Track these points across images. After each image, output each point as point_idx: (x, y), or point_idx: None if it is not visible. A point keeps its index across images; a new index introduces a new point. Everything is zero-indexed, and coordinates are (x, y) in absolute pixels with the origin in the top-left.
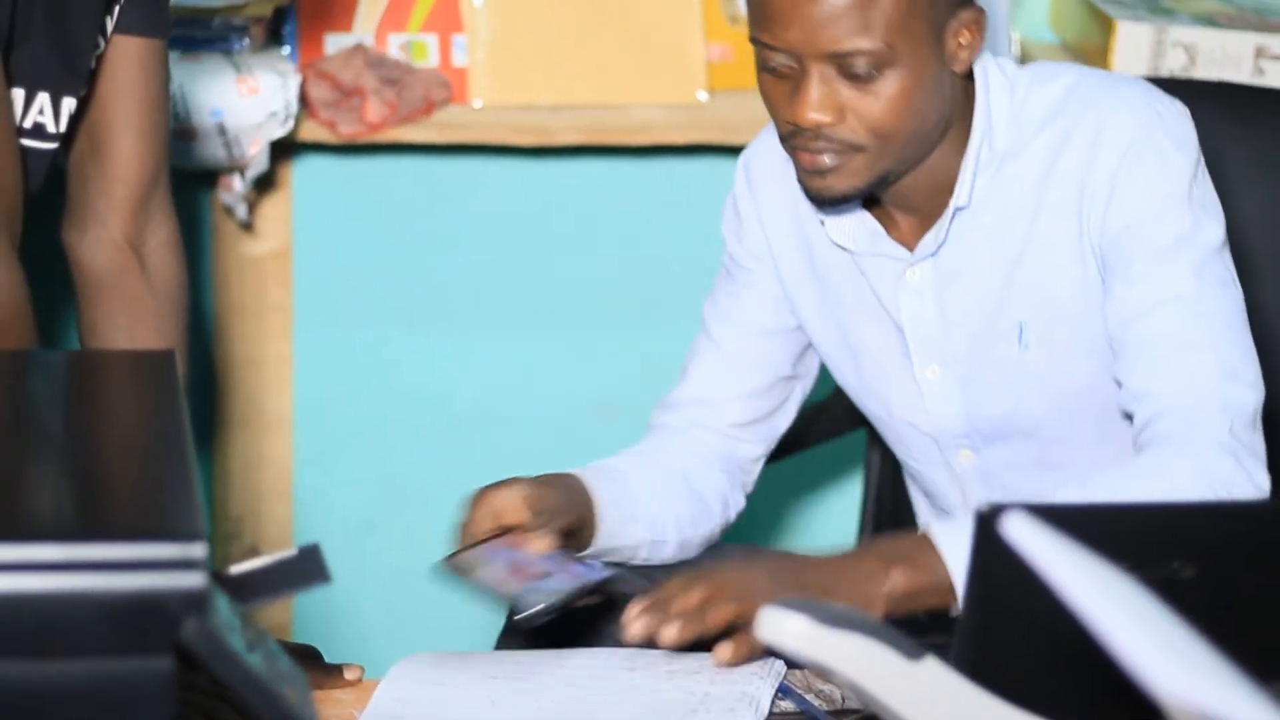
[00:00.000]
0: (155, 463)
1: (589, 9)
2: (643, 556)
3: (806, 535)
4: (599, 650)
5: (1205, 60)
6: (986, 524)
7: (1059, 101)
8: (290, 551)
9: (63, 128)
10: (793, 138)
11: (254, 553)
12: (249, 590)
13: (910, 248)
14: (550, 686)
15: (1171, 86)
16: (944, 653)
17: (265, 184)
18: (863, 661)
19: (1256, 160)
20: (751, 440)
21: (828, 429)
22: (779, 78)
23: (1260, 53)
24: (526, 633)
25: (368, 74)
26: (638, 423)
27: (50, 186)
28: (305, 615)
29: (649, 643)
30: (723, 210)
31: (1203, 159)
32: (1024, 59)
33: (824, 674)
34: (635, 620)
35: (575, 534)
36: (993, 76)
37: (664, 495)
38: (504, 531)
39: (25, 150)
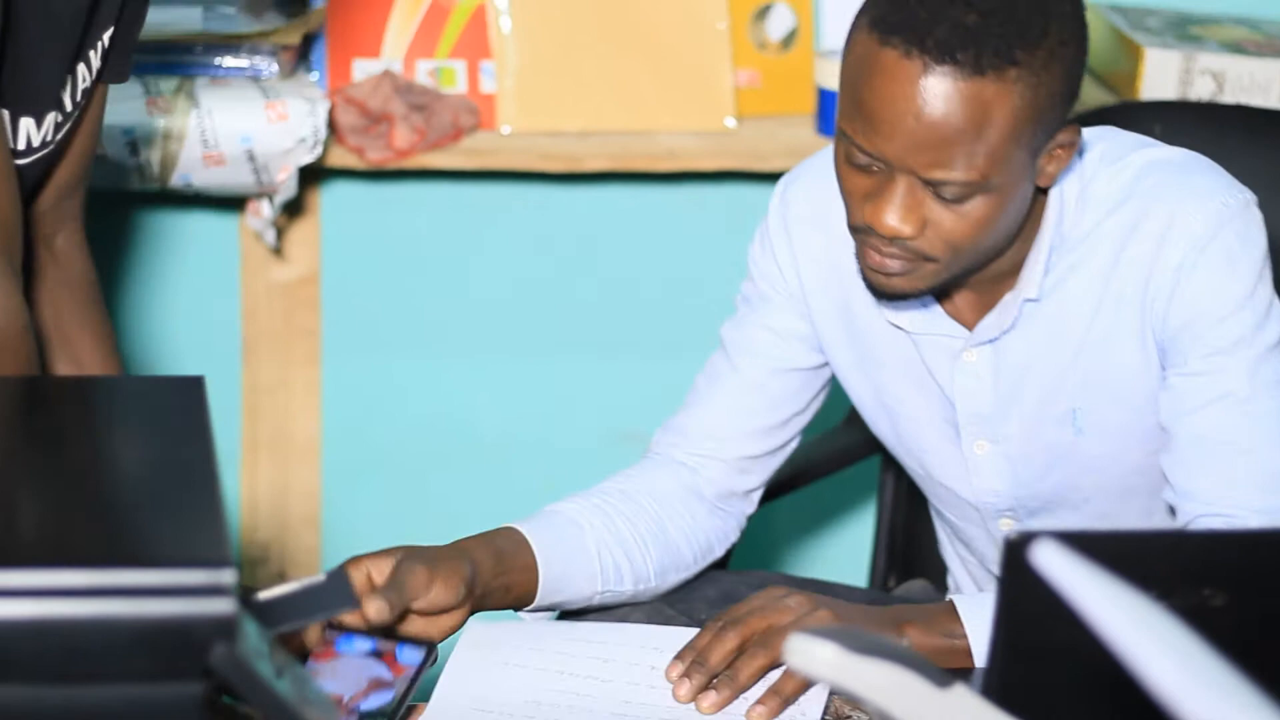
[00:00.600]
0: (183, 489)
1: (617, 36)
2: (596, 602)
3: (819, 564)
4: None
5: (1233, 86)
6: (1015, 551)
7: (1128, 186)
8: (318, 577)
9: (19, 145)
10: (864, 233)
11: (281, 578)
12: (277, 616)
13: (968, 325)
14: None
15: (1199, 113)
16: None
17: (294, 210)
18: (892, 689)
19: None
20: (756, 472)
21: (840, 459)
22: (861, 171)
23: None
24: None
25: (396, 100)
26: None
27: None
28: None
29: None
30: (753, 238)
31: (1268, 257)
32: None
33: (854, 701)
34: (680, 682)
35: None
36: None
37: (626, 547)
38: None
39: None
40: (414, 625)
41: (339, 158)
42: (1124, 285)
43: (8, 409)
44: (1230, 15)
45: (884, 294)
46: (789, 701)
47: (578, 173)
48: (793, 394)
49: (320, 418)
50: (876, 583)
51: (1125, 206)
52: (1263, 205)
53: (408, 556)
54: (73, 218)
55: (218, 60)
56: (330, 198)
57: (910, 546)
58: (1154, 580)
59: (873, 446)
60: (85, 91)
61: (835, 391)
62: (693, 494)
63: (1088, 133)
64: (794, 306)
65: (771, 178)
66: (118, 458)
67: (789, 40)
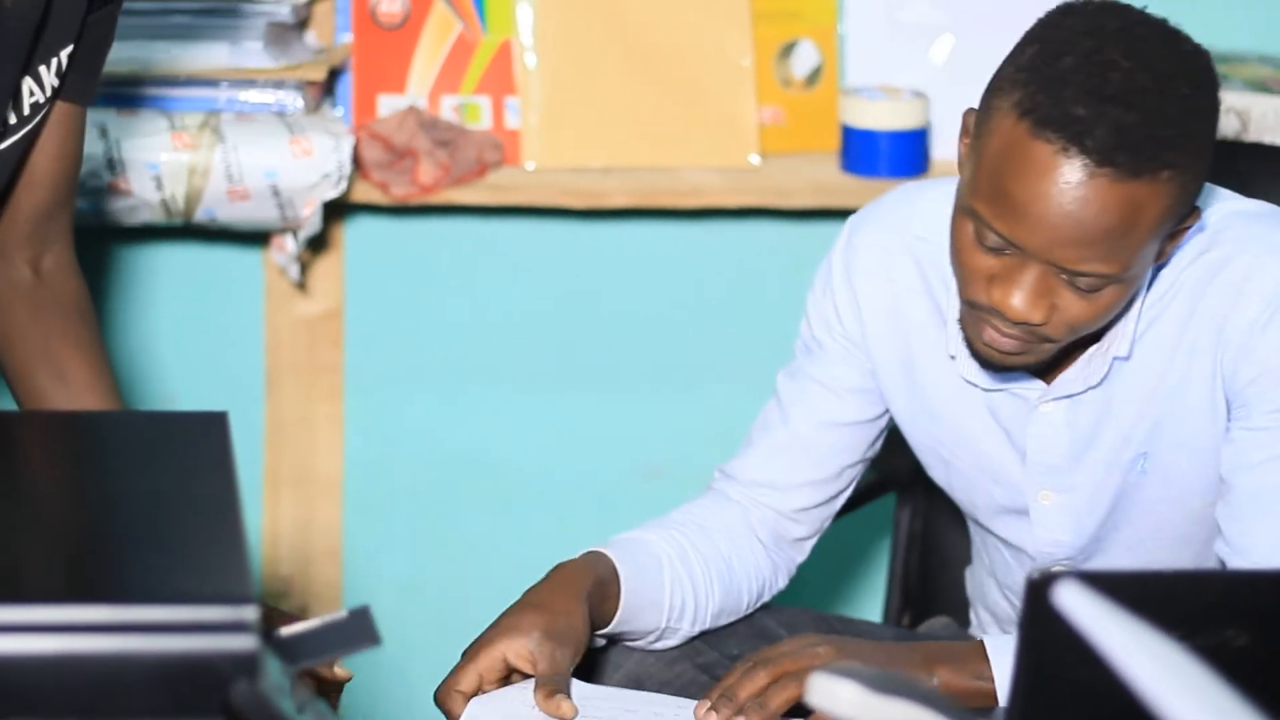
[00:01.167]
0: (206, 524)
1: (641, 72)
2: (646, 643)
3: (833, 600)
4: (669, 701)
5: (1258, 125)
6: (1038, 592)
7: (1207, 238)
8: (340, 613)
9: None
10: (984, 311)
11: (304, 613)
12: (299, 652)
13: (1044, 377)
14: None
15: (1224, 151)
16: None
17: (318, 245)
18: None
19: None
20: (807, 522)
21: (855, 499)
22: (990, 253)
23: None
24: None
25: (420, 136)
26: (685, 486)
27: None
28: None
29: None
30: (813, 280)
31: None
32: None
33: None
34: (707, 716)
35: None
36: None
37: (695, 588)
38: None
39: None
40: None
41: (363, 193)
42: (1198, 334)
43: (31, 442)
44: (1255, 54)
45: (995, 368)
46: None
47: (601, 209)
48: (845, 448)
49: (343, 452)
50: (891, 620)
51: (1204, 258)
52: None
53: (544, 638)
54: (59, 239)
55: (243, 95)
56: (354, 233)
57: (925, 584)
58: (1177, 621)
59: (888, 485)
60: (34, 106)
61: None
62: (754, 535)
63: None
64: (851, 356)
65: (795, 215)
66: (140, 493)
67: (813, 77)
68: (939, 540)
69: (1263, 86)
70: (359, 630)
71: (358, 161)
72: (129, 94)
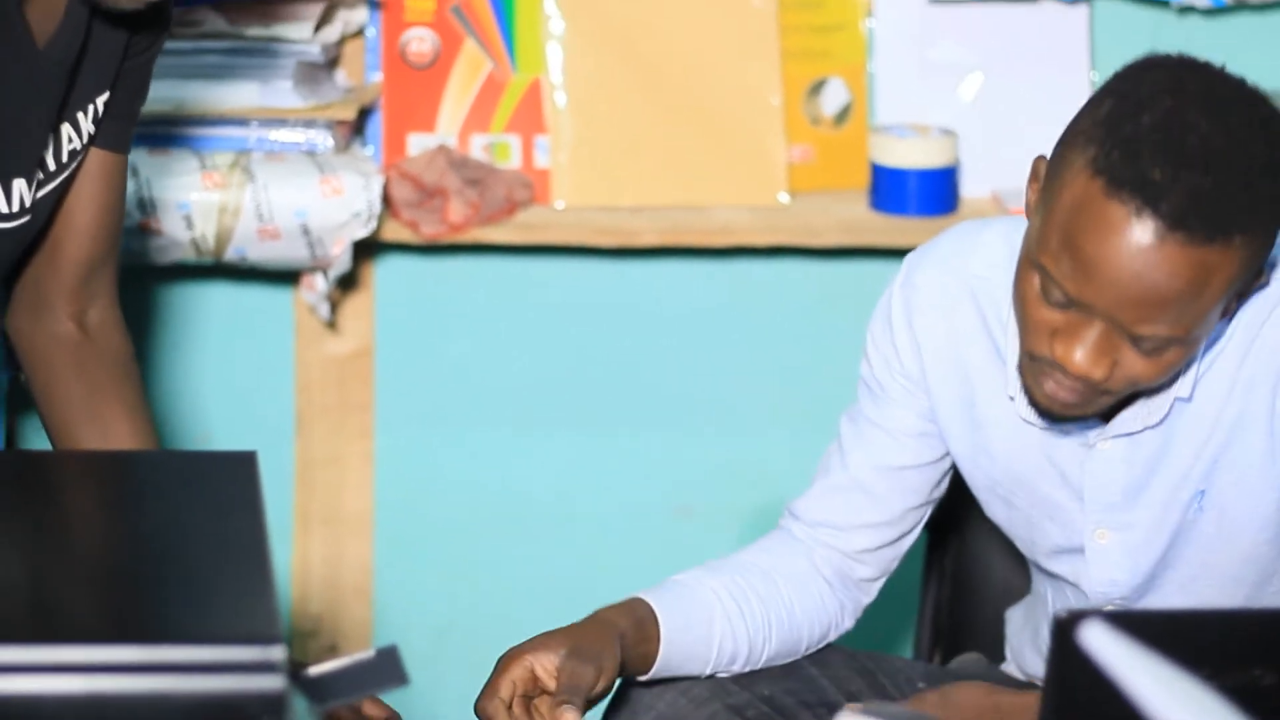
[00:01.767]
0: (235, 565)
1: (670, 111)
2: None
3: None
4: None
5: None
6: (1064, 632)
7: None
8: (368, 652)
9: (14, 208)
10: (1044, 363)
11: (333, 651)
12: (327, 692)
13: (1103, 416)
14: None
15: None
16: None
17: (348, 283)
18: None
19: None
20: (874, 563)
21: None
22: (1055, 308)
23: None
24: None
25: (450, 174)
26: (716, 524)
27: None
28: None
29: None
30: (873, 315)
31: None
32: None
33: None
34: None
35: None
36: None
37: (750, 635)
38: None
39: None
40: None
41: (393, 232)
42: (1256, 370)
43: (60, 483)
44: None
45: (1053, 418)
46: None
47: (631, 247)
48: (907, 490)
49: (373, 491)
50: (922, 656)
51: (1259, 294)
52: None
53: (571, 654)
54: (104, 293)
55: (273, 135)
56: (384, 272)
57: (956, 621)
58: (1203, 660)
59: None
60: (72, 153)
61: None
62: (819, 575)
63: None
64: (911, 397)
65: (824, 254)
66: (169, 533)
67: (843, 115)
68: (970, 577)
69: None
70: (387, 670)
71: (388, 200)
72: (160, 133)
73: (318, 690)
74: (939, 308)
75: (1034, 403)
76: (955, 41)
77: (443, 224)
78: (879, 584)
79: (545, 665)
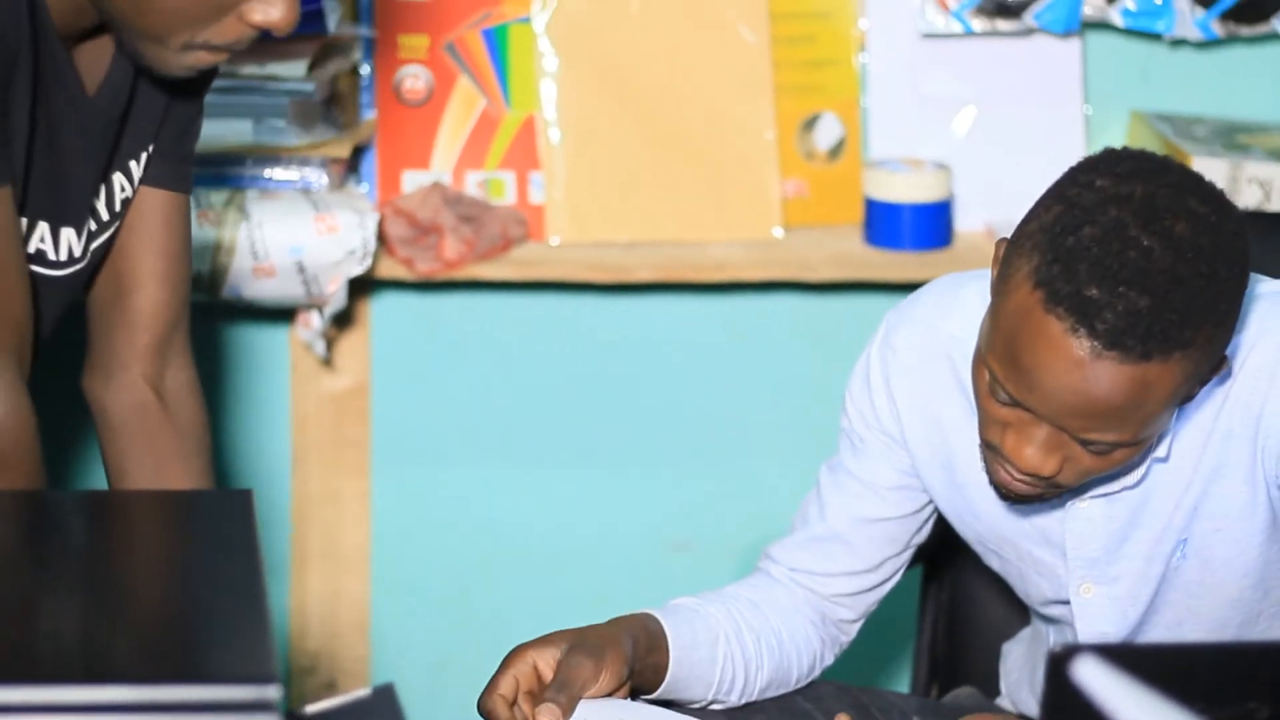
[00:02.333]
0: (231, 603)
1: (664, 147)
2: (695, 706)
3: (858, 672)
4: None
5: None
6: (1059, 666)
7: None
8: (364, 691)
9: (62, 256)
10: (996, 455)
11: (331, 688)
12: None
13: None
14: None
15: (1247, 221)
16: None
17: (343, 321)
18: None
19: None
20: (853, 606)
21: None
22: (1006, 407)
23: None
24: None
25: (445, 211)
26: (711, 559)
27: (66, 331)
28: None
29: None
30: (853, 372)
31: None
32: None
33: None
34: None
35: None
36: None
37: (747, 664)
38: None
39: (33, 277)
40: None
41: (388, 269)
42: (1232, 421)
43: (55, 522)
44: (1278, 124)
45: (1013, 501)
46: None
47: (626, 283)
48: (886, 541)
49: (369, 527)
50: (919, 691)
51: (1235, 338)
52: None
53: (573, 648)
54: (179, 355)
55: (268, 173)
56: (380, 309)
57: (952, 655)
58: (1198, 694)
59: (916, 558)
60: (124, 202)
61: None
62: (801, 613)
63: None
64: (891, 452)
65: (819, 288)
66: (165, 571)
67: (837, 150)
68: (966, 612)
69: None
70: (384, 708)
71: (382, 238)
72: None
73: None
74: (916, 370)
75: (993, 485)
76: (948, 76)
77: (438, 261)
78: (858, 625)
79: (548, 661)
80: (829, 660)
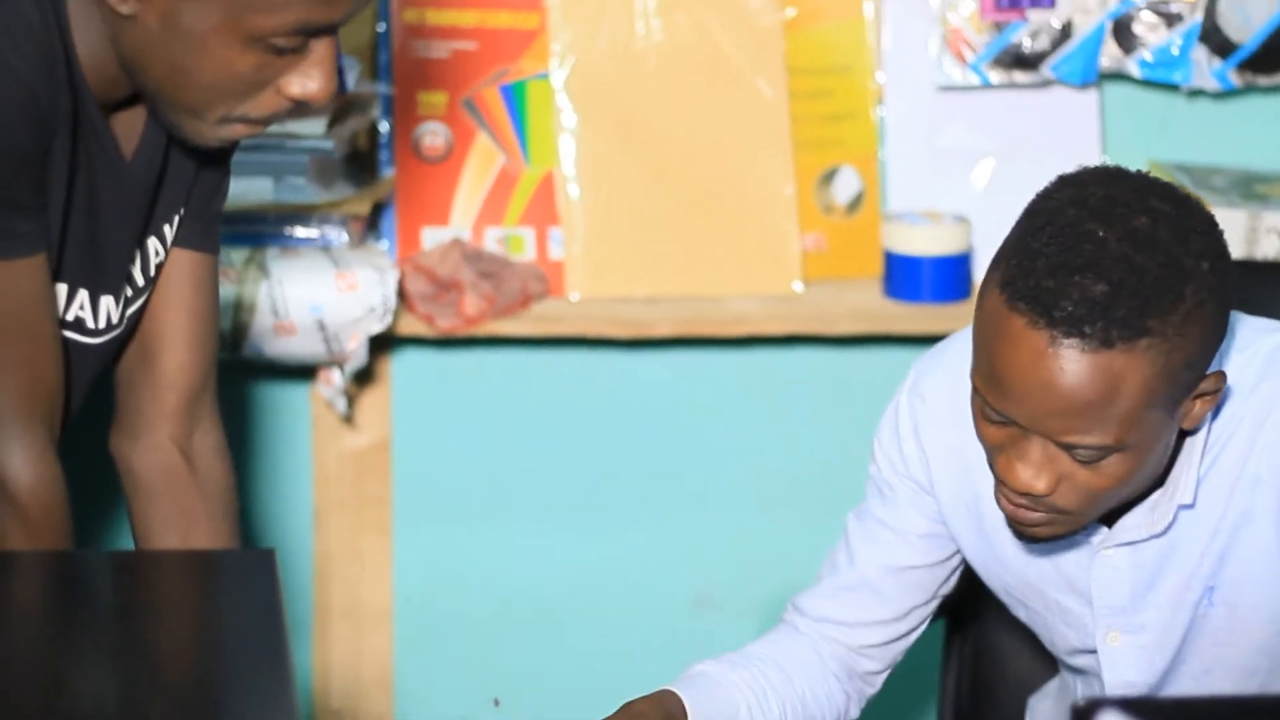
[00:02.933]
0: (254, 663)
1: (684, 202)
2: None
3: None
4: None
5: None
6: (1082, 719)
7: (1260, 371)
8: None
9: (100, 324)
10: (999, 485)
11: None
12: None
13: (1108, 522)
14: None
15: (1266, 272)
16: None
17: (364, 378)
18: None
19: None
20: (879, 658)
21: None
22: (995, 425)
23: None
24: None
25: (465, 268)
26: (735, 616)
27: (95, 391)
28: None
29: None
30: (882, 419)
31: None
32: None
33: None
34: None
35: None
36: None
37: None
38: None
39: (69, 343)
40: None
41: (409, 325)
42: (1260, 468)
43: (79, 582)
44: None
45: (1024, 538)
46: None
47: (646, 338)
48: (914, 589)
49: (391, 585)
50: None
51: (1258, 391)
52: None
53: None
54: (208, 415)
55: (288, 230)
56: (400, 365)
57: (976, 707)
58: None
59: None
60: (159, 267)
61: None
62: (826, 667)
63: None
64: (919, 500)
65: (838, 342)
66: (190, 631)
67: (855, 204)
68: (990, 665)
69: None
70: None
71: (403, 294)
72: None
73: None
74: (946, 418)
75: (1009, 525)
76: (966, 128)
77: (458, 317)
78: (883, 676)
79: None
80: (854, 715)
